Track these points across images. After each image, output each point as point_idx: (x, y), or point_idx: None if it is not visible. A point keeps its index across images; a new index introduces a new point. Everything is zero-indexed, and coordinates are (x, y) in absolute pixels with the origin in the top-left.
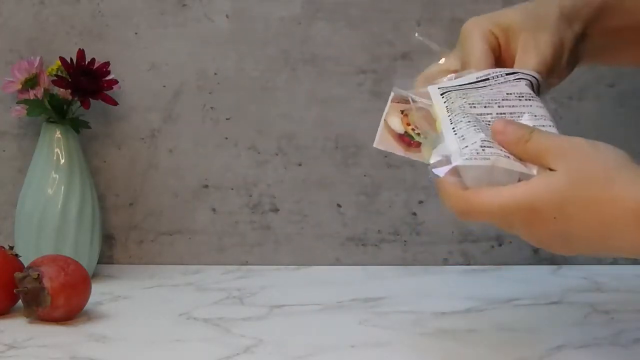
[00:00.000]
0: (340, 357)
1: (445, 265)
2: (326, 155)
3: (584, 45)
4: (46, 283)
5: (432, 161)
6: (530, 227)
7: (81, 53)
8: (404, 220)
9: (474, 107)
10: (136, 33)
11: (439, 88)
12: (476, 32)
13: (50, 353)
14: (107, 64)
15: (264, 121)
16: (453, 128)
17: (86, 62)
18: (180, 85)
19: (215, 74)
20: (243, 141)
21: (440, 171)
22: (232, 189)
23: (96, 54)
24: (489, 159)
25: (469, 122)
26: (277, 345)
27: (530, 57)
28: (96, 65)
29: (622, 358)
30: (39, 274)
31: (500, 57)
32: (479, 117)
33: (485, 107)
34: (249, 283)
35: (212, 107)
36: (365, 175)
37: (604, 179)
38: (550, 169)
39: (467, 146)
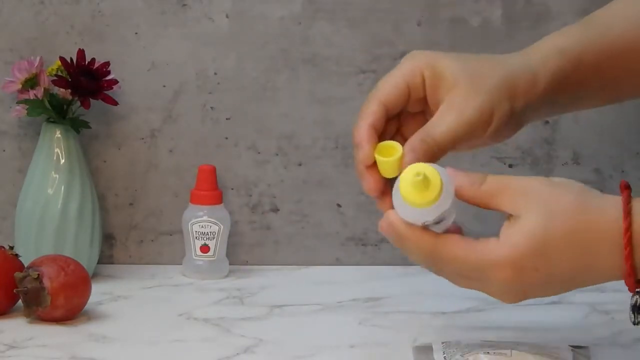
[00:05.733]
0: (340, 357)
1: None
2: (326, 155)
3: (533, 113)
4: (46, 283)
5: None
6: (510, 284)
7: (81, 53)
8: None
9: None
10: (136, 33)
11: None
12: (405, 66)
13: (50, 353)
14: (107, 64)
15: (264, 121)
16: None
17: (86, 62)
18: (180, 85)
19: (215, 74)
20: (243, 141)
21: None
22: (232, 189)
23: (96, 54)
24: None
25: None
26: (277, 345)
27: (449, 116)
28: (96, 65)
29: (622, 358)
30: (39, 274)
31: (423, 99)
32: None
33: None
34: (249, 283)
35: (212, 107)
36: None
37: (576, 208)
38: (510, 214)
39: None
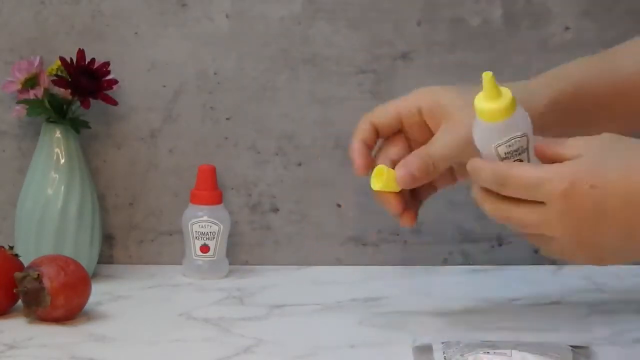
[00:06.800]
0: (340, 357)
1: (445, 265)
2: (326, 155)
3: None
4: (46, 283)
5: None
6: (565, 200)
7: (81, 53)
8: None
9: None
10: (136, 33)
11: None
12: (404, 99)
13: (50, 353)
14: (107, 64)
15: (264, 121)
16: None
17: (86, 62)
18: (180, 85)
19: (215, 74)
20: (243, 141)
21: None
22: (232, 188)
23: (96, 54)
24: None
25: None
26: (277, 345)
27: (446, 135)
28: (96, 65)
29: (622, 358)
30: (38, 274)
31: (420, 124)
32: None
33: None
34: (249, 283)
35: (212, 107)
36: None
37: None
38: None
39: None
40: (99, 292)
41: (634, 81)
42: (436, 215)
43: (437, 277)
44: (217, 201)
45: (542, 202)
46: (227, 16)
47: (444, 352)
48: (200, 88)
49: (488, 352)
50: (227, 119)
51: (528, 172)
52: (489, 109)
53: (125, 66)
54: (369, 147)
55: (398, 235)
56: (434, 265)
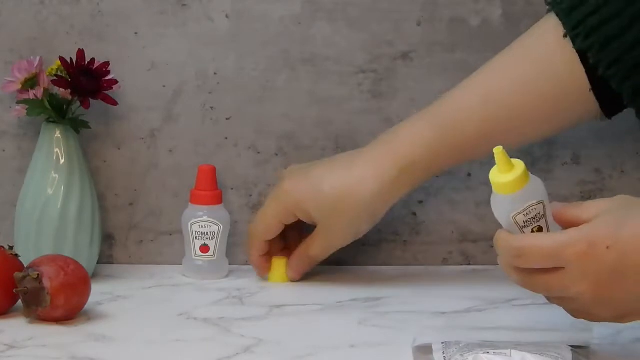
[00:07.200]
0: (340, 357)
1: (445, 265)
2: (326, 155)
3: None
4: (46, 283)
5: None
6: (583, 262)
7: (81, 53)
8: (404, 220)
9: None
10: (136, 33)
11: None
12: (277, 208)
13: (50, 353)
14: (107, 64)
15: (264, 121)
16: None
17: (86, 62)
18: (180, 85)
19: (215, 74)
20: (243, 141)
21: None
22: (232, 188)
23: (96, 54)
24: None
25: None
26: (277, 345)
27: (317, 243)
28: (96, 65)
29: (622, 358)
30: (38, 274)
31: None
32: None
33: None
34: (249, 283)
35: (212, 107)
36: None
37: None
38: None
39: None
40: (99, 292)
41: (472, 140)
42: (436, 215)
43: (437, 277)
44: (217, 201)
45: (562, 268)
46: (227, 16)
47: (444, 352)
48: (200, 88)
49: (488, 352)
50: (227, 119)
51: (543, 243)
52: (503, 181)
53: (125, 66)
54: (266, 254)
55: (398, 235)
56: (434, 265)
